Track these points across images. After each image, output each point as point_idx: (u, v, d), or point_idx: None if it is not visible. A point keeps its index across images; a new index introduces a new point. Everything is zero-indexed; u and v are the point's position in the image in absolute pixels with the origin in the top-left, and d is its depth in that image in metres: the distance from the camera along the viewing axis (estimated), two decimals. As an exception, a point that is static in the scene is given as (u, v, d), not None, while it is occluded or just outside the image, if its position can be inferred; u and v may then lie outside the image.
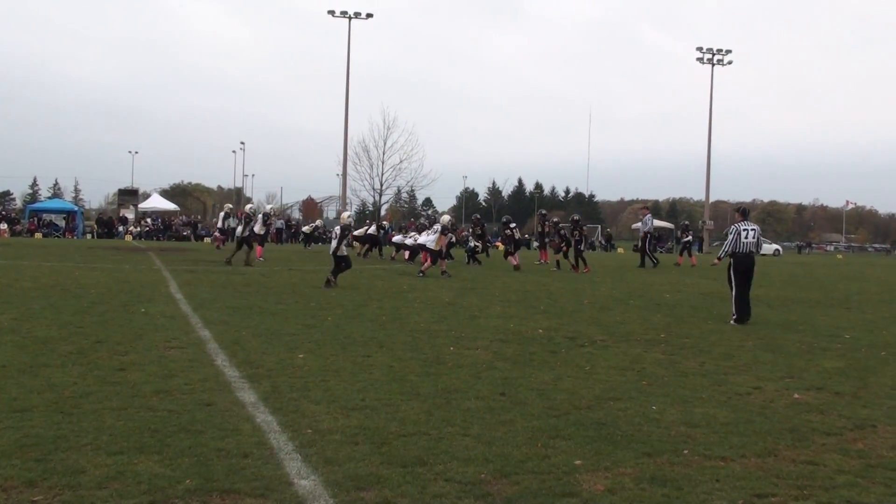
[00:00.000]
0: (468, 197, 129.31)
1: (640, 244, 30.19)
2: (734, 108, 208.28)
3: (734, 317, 13.39)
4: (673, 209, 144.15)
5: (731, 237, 13.79)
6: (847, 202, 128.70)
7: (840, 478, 5.18)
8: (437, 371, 8.40)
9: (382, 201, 58.10)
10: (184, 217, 71.76)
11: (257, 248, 26.52)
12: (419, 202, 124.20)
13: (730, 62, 65.87)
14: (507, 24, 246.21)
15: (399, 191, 66.63)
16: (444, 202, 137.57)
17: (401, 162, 57.54)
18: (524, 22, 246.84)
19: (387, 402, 6.87)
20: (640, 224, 29.56)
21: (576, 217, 28.06)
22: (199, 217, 79.45)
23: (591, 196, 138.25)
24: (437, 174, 73.69)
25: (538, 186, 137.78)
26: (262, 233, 26.67)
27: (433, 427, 6.11)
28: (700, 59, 66.11)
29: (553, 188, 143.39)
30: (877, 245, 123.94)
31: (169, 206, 75.90)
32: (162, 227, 61.70)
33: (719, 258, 14.64)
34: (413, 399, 7.05)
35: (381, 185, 57.52)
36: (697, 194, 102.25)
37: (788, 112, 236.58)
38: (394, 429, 6.02)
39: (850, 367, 9.42)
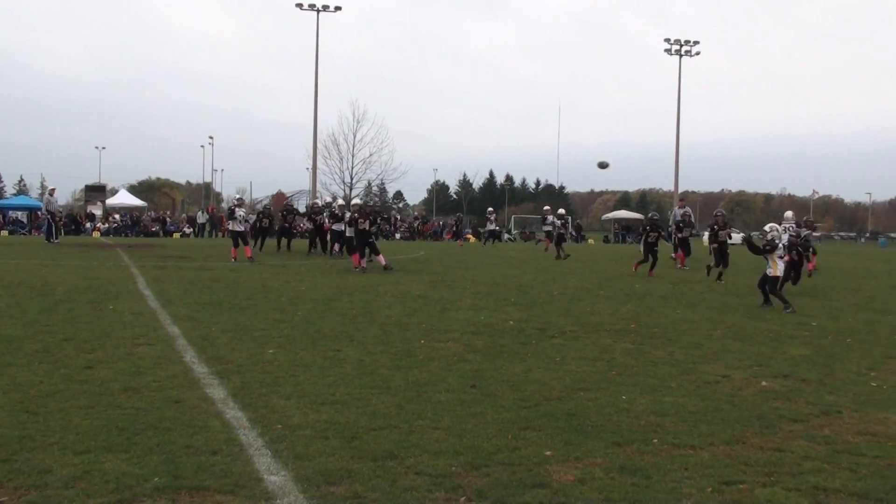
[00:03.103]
0: (439, 189, 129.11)
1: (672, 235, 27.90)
2: (705, 99, 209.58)
3: None
4: (643, 200, 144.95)
5: None
6: (814, 191, 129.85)
7: (807, 464, 5.25)
8: (407, 364, 8.40)
9: (353, 194, 58.05)
10: (152, 213, 71.08)
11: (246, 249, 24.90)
12: (390, 195, 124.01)
13: (697, 53, 66.20)
14: (479, 15, 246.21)
15: (370, 184, 66.51)
16: (415, 195, 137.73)
17: (371, 155, 57.59)
18: (497, 13, 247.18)
19: (357, 397, 6.86)
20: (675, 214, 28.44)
21: (562, 212, 28.13)
22: (168, 213, 78.67)
23: (562, 188, 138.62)
24: (407, 167, 73.66)
25: (509, 179, 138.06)
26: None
27: (404, 420, 6.11)
28: (668, 51, 66.42)
29: (524, 180, 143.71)
30: (843, 233, 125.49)
31: (137, 202, 75.18)
32: (130, 223, 61.11)
33: None
34: (383, 393, 7.04)
35: (352, 179, 57.44)
36: (667, 184, 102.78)
37: (758, 102, 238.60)
38: (364, 423, 6.01)
39: (816, 355, 9.53)
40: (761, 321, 12.51)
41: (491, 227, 43.18)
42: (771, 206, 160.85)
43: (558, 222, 31.28)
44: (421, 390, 7.17)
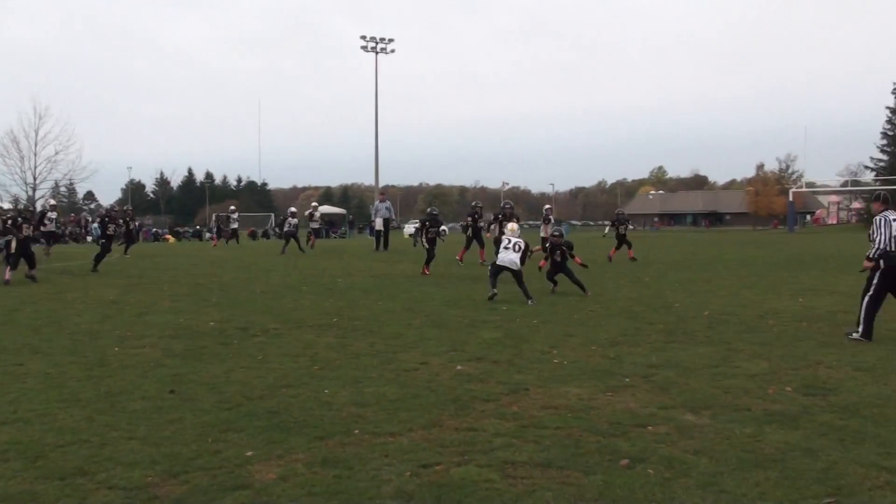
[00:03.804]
0: (134, 189, 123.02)
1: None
2: (404, 94, 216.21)
3: (860, 332, 10.02)
4: (345, 195, 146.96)
5: (881, 231, 10.04)
6: (504, 183, 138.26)
7: (497, 440, 5.57)
8: (100, 374, 7.94)
9: (37, 196, 54.00)
10: None
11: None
12: (80, 195, 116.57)
13: (392, 51, 68.00)
14: (175, 5, 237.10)
15: (57, 184, 61.93)
16: (109, 195, 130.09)
17: (57, 153, 53.78)
18: (194, 4, 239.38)
19: (42, 413, 6.38)
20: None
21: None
22: None
23: (264, 184, 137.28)
24: (98, 165, 69.43)
25: (209, 176, 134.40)
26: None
27: (95, 433, 5.77)
28: (364, 48, 67.64)
29: (225, 177, 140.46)
30: (531, 221, 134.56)
31: None
32: None
33: (872, 258, 10.12)
34: (73, 406, 6.61)
35: (35, 179, 53.43)
36: (368, 179, 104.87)
37: (454, 98, 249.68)
38: (50, 440, 5.61)
39: (506, 337, 10.14)
40: (456, 308, 13.11)
41: (234, 225, 41.63)
42: (465, 198, 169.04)
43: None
44: (114, 400, 6.81)
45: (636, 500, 4.45)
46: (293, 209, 36.05)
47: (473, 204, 25.18)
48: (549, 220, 25.94)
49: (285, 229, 34.58)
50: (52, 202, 35.59)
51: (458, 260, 23.24)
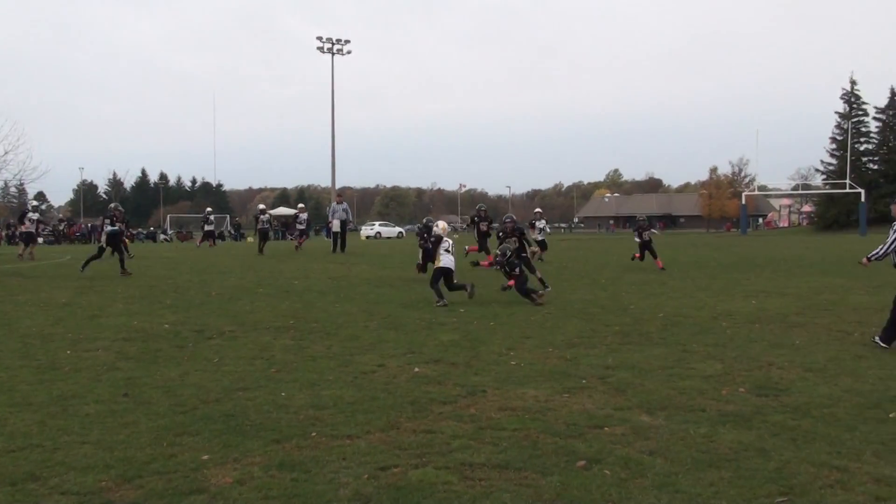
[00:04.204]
0: (87, 190, 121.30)
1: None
2: (361, 95, 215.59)
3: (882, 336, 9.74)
4: (301, 196, 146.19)
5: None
6: (461, 185, 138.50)
7: (455, 442, 5.57)
8: (51, 377, 7.81)
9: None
10: None
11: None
12: (30, 196, 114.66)
13: (349, 52, 67.62)
14: (128, 3, 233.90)
15: (6, 184, 60.83)
16: (60, 196, 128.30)
17: (6, 153, 52.80)
18: (147, 2, 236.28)
19: (-8, 417, 6.27)
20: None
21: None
22: None
23: (220, 185, 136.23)
24: (49, 166, 68.24)
25: (163, 177, 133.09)
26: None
27: (47, 438, 5.68)
28: (321, 49, 67.27)
29: (179, 178, 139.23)
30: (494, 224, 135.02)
31: None
32: None
33: (870, 259, 10.17)
34: (24, 410, 6.50)
35: (-18, 181, 52.40)
36: (325, 181, 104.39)
37: (410, 99, 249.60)
38: (1, 445, 5.51)
39: (463, 339, 10.16)
40: (414, 310, 13.10)
41: (209, 227, 40.86)
42: (423, 199, 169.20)
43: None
44: (67, 404, 6.70)
45: (593, 501, 4.48)
46: (262, 206, 35.87)
47: (478, 207, 24.99)
48: (533, 224, 25.99)
49: (258, 227, 34.55)
50: (35, 203, 35.30)
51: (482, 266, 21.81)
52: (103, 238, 21.89)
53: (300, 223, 35.88)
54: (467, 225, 24.20)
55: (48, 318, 12.24)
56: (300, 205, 39.36)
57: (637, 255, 24.00)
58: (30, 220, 29.26)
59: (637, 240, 23.89)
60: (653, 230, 24.82)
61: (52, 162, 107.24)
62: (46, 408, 6.59)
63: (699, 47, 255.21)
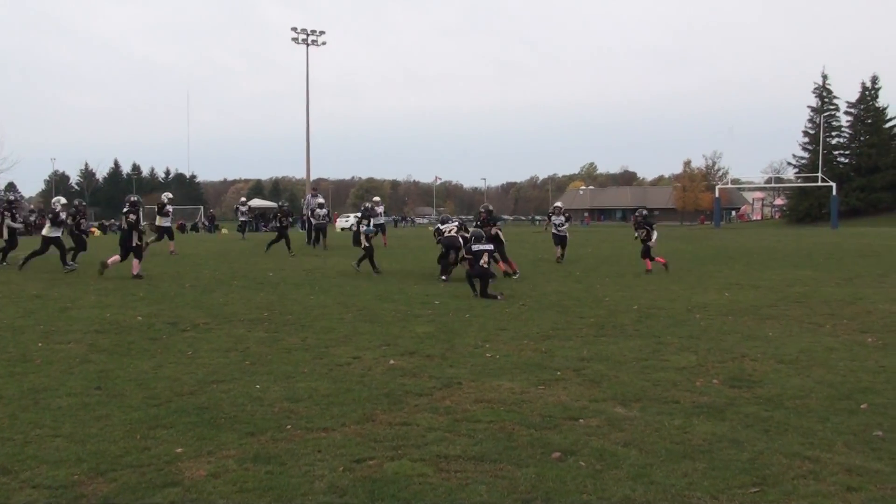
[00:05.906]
0: (59, 180, 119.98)
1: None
2: (337, 87, 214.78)
3: None
4: (276, 188, 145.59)
5: None
6: (436, 178, 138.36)
7: (431, 434, 5.58)
8: (23, 370, 7.73)
9: (-46, 187, 52.39)
10: None
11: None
12: (1, 187, 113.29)
13: (324, 43, 67.29)
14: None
15: (-24, 176, 60.09)
16: (31, 186, 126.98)
17: (-25, 144, 52.22)
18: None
19: (-38, 411, 6.19)
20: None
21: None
22: None
23: (193, 177, 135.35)
24: (20, 156, 67.61)
25: (136, 168, 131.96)
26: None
27: (18, 431, 5.62)
28: (295, 40, 66.89)
29: (153, 169, 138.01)
30: (463, 216, 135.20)
31: None
32: None
33: None
34: (-6, 403, 6.43)
35: (-49, 170, 51.80)
36: (300, 172, 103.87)
37: (387, 91, 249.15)
38: (-30, 439, 5.44)
39: (439, 331, 10.16)
40: (389, 302, 13.09)
41: (164, 222, 40.33)
42: (398, 192, 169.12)
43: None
44: (38, 397, 6.64)
45: (568, 493, 4.49)
46: (244, 199, 35.82)
47: (482, 208, 24.62)
48: (549, 216, 24.60)
49: (240, 219, 34.61)
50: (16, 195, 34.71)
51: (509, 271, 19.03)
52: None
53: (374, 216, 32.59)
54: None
55: (19, 310, 12.09)
56: (376, 198, 35.96)
57: (658, 260, 20.01)
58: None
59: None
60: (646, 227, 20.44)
61: (23, 152, 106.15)
62: (17, 401, 6.52)
63: (675, 42, 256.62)
